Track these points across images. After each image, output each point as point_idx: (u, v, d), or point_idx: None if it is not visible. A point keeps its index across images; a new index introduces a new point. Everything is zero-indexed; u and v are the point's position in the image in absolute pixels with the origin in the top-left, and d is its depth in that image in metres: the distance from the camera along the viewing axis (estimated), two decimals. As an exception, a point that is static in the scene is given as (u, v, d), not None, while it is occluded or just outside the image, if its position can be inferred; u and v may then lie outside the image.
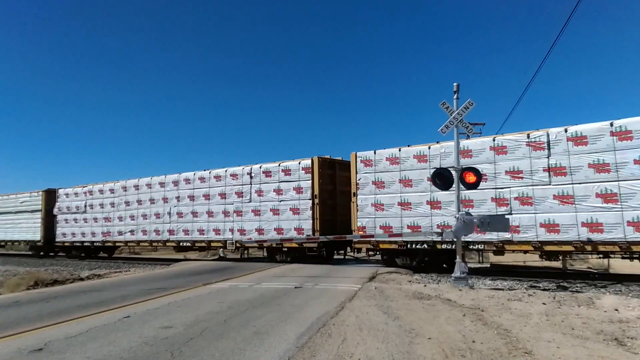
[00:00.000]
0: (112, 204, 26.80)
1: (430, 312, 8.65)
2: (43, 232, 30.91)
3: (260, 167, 20.68)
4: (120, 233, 26.18)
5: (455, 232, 12.26)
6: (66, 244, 29.86)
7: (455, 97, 12.81)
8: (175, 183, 23.69)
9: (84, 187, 28.54)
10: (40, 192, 31.40)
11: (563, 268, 17.95)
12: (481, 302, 9.57)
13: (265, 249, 21.71)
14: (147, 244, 25.66)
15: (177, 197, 23.45)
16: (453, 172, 12.51)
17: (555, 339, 6.48)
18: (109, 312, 9.12)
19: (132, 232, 25.58)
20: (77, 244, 29.10)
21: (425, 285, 12.45)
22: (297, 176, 19.57)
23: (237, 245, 21.17)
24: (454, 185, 12.56)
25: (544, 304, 9.33)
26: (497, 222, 12.19)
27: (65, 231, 29.44)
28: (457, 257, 12.40)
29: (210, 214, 22.11)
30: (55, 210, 30.00)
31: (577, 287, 12.67)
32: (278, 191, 19.99)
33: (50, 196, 30.83)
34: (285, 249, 20.18)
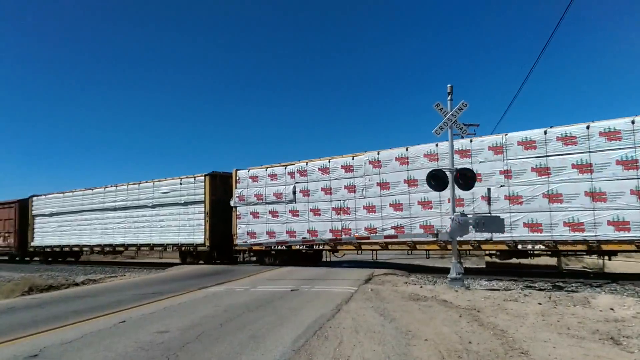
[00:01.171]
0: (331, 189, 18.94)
1: (426, 313, 8.65)
2: (209, 233, 22.27)
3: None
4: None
5: (451, 233, 12.28)
6: (264, 247, 20.79)
7: (449, 98, 12.85)
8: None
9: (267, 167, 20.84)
10: (203, 176, 22.67)
11: (558, 268, 17.99)
12: (477, 303, 9.58)
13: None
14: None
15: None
16: (448, 174, 12.54)
17: (552, 339, 6.49)
18: (104, 317, 9.07)
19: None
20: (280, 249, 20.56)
21: (421, 287, 12.46)
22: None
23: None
24: (448, 186, 12.61)
25: (540, 304, 9.35)
26: (493, 223, 12.22)
27: (255, 230, 20.82)
28: (453, 258, 12.42)
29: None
30: (235, 201, 21.41)
31: (572, 286, 12.71)
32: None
33: (214, 181, 22.79)
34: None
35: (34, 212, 31.06)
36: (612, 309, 8.65)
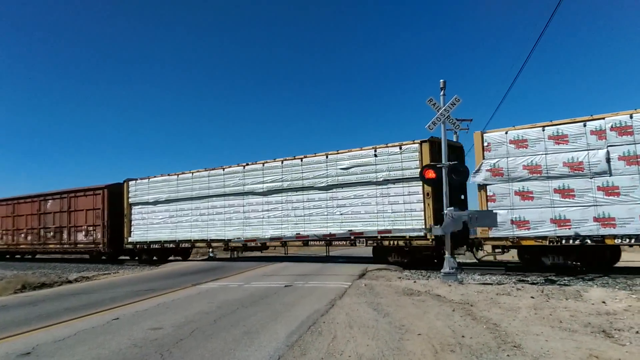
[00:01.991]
0: None
1: (420, 308, 8.69)
2: (432, 221, 15.50)
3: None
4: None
5: (444, 227, 12.33)
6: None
7: (442, 93, 12.91)
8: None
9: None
10: (418, 143, 16.57)
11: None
12: (470, 297, 9.63)
13: None
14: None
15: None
16: (442, 169, 12.58)
17: (544, 332, 6.53)
18: (97, 315, 9.04)
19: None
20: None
21: (414, 282, 12.50)
22: None
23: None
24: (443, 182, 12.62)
25: (532, 297, 9.41)
26: (486, 217, 12.28)
27: (527, 216, 14.45)
28: (446, 253, 12.47)
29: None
30: (486, 176, 15.03)
31: (565, 280, 12.78)
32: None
33: (433, 149, 16.04)
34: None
35: (131, 200, 25.03)
36: (604, 302, 8.71)
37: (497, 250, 15.24)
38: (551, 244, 13.90)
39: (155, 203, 24.03)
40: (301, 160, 19.31)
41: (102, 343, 6.69)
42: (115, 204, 25.44)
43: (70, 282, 16.63)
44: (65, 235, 27.62)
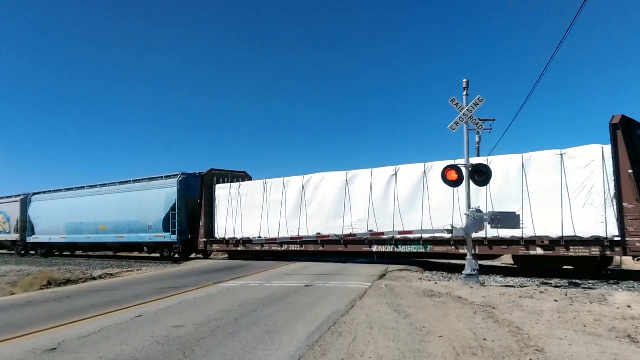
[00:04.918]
0: None
1: (440, 309, 8.64)
2: None
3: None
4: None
5: (466, 229, 12.24)
6: None
7: (464, 93, 12.80)
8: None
9: None
10: None
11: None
12: (492, 300, 9.54)
13: None
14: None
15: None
16: (463, 170, 12.47)
17: (567, 336, 6.45)
18: (121, 312, 9.19)
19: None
20: None
21: (435, 283, 12.43)
22: None
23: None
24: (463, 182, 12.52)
25: (556, 300, 9.28)
26: (508, 219, 12.14)
27: None
28: (468, 254, 12.36)
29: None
30: None
31: (589, 283, 12.59)
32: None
33: None
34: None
35: None
36: (629, 306, 8.56)
37: None
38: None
39: None
40: None
41: (126, 340, 6.80)
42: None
43: (94, 278, 16.94)
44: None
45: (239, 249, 21.68)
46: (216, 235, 22.62)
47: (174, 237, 23.57)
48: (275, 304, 9.55)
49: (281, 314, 8.39)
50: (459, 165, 12.70)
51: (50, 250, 32.31)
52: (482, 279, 12.46)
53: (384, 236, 16.52)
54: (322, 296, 10.44)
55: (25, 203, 33.27)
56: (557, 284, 12.43)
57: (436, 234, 15.27)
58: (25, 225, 32.95)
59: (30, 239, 32.43)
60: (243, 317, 8.19)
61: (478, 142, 30.36)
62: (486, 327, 7.08)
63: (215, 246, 22.91)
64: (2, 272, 19.77)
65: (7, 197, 35.62)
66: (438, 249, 15.92)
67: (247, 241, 21.11)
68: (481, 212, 12.23)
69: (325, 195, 19.17)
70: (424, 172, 16.49)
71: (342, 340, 6.43)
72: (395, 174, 17.29)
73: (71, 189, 30.80)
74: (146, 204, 25.23)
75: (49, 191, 32.36)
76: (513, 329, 6.96)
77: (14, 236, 33.94)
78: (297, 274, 15.16)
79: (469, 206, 12.47)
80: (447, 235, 14.06)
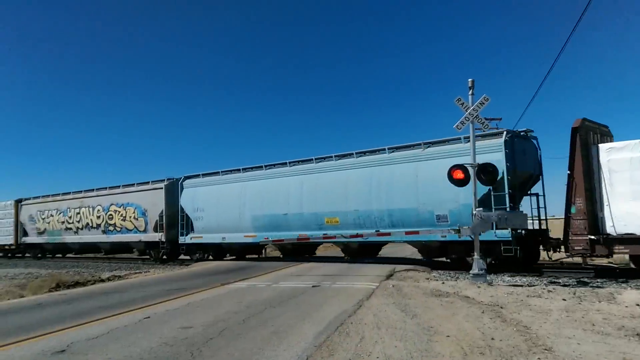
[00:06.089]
0: None
1: (448, 309, 8.62)
2: None
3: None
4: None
5: (473, 228, 12.20)
6: None
7: (470, 92, 12.75)
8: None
9: None
10: None
11: (583, 263, 17.68)
12: (500, 299, 9.51)
13: None
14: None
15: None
16: (470, 169, 12.44)
17: (576, 335, 6.42)
18: (129, 313, 9.24)
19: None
20: None
21: (443, 283, 12.39)
22: None
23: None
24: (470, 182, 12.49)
25: (564, 299, 9.24)
26: (516, 218, 12.10)
27: None
28: (475, 254, 12.32)
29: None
30: None
31: (597, 282, 12.51)
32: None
33: None
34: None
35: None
36: (638, 305, 8.50)
37: None
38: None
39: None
40: None
41: (134, 341, 6.84)
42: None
43: (102, 280, 17.03)
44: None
45: None
46: (608, 229, 13.08)
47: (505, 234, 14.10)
48: (282, 305, 9.56)
49: (289, 315, 8.40)
50: (465, 165, 12.68)
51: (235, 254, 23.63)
52: (489, 278, 12.41)
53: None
54: (330, 297, 10.43)
55: (171, 190, 24.48)
56: (566, 283, 12.36)
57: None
58: (173, 221, 24.14)
59: (186, 240, 23.48)
60: (251, 318, 8.21)
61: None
62: (494, 327, 7.06)
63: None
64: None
65: (141, 183, 26.52)
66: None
67: None
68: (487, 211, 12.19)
69: None
70: None
71: (350, 341, 6.44)
72: None
73: (260, 167, 21.64)
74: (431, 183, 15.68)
75: (215, 172, 23.41)
76: (521, 328, 6.94)
77: (155, 236, 24.80)
78: (305, 275, 15.15)
79: (475, 206, 12.43)
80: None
